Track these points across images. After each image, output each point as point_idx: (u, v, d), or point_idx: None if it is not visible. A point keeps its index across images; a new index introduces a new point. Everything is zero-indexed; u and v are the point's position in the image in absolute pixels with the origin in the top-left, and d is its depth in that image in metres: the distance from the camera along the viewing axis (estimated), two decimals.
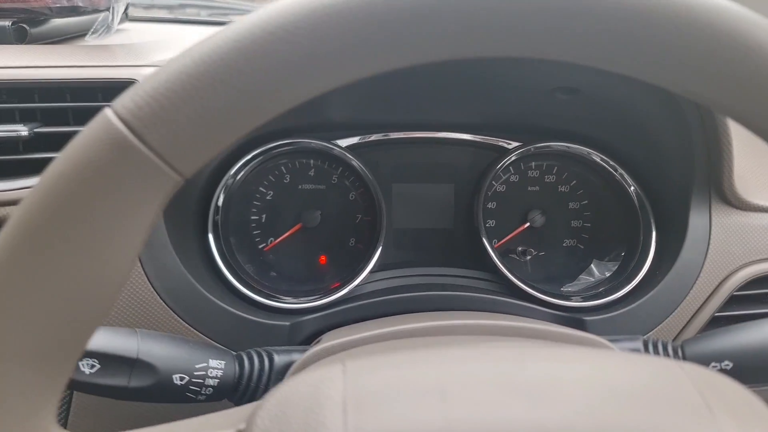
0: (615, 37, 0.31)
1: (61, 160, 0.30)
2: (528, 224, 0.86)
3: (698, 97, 0.33)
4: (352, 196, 0.86)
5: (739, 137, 0.70)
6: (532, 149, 0.84)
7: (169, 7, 1.42)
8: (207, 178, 0.77)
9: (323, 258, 0.86)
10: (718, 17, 0.30)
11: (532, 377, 0.34)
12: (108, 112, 0.30)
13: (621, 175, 0.83)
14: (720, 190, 0.72)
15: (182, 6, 1.41)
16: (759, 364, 0.55)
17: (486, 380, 0.34)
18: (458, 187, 0.89)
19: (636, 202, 0.82)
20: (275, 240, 0.84)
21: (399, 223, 0.88)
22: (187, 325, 0.66)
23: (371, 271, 0.79)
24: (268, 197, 0.84)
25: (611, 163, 0.83)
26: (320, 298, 0.74)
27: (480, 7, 0.31)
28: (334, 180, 0.86)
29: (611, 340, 0.58)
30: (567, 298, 0.77)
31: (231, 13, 1.43)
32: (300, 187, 0.85)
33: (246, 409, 0.41)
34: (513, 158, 0.84)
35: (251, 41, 0.31)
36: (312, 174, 0.85)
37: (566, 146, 0.84)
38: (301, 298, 0.75)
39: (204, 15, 1.40)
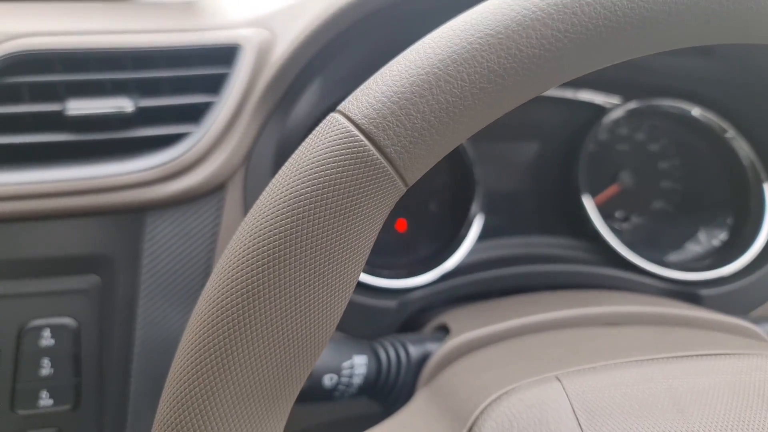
0: None
1: (292, 174, 0.26)
2: (618, 185, 0.82)
3: None
4: None
5: None
6: (642, 107, 0.78)
7: None
8: None
9: (406, 225, 0.81)
10: None
11: (758, 386, 0.33)
12: (341, 119, 0.26)
13: (730, 136, 0.78)
14: None
15: None
16: None
17: (715, 391, 0.33)
18: (544, 145, 0.83)
19: (746, 166, 0.77)
20: None
21: (486, 186, 0.83)
22: None
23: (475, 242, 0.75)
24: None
25: (719, 123, 0.78)
26: (423, 273, 0.70)
27: None
28: None
29: (754, 322, 0.55)
30: (676, 269, 0.73)
31: None
32: None
33: (431, 421, 0.39)
34: (617, 115, 0.78)
35: (504, 37, 0.27)
36: None
37: (674, 106, 0.78)
38: (403, 273, 0.71)
39: None
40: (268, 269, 0.25)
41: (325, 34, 0.54)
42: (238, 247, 0.26)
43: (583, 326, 0.52)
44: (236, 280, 0.26)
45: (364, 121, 0.26)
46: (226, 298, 0.26)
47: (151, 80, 0.57)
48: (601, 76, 0.80)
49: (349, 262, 0.27)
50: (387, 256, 0.78)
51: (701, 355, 0.39)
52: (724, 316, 0.54)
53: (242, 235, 0.26)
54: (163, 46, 0.57)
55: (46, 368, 0.52)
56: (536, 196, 0.84)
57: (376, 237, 0.28)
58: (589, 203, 0.77)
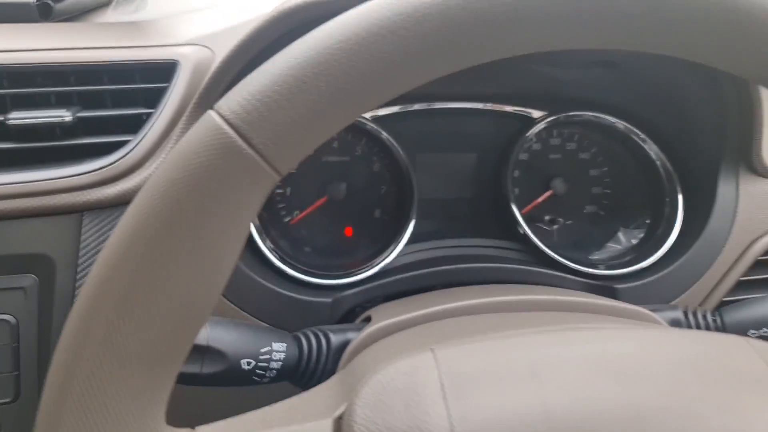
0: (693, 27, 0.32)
1: (171, 164, 0.30)
2: (551, 191, 0.87)
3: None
4: (377, 168, 0.86)
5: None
6: (562, 118, 0.84)
7: None
8: None
9: (350, 230, 0.86)
10: None
11: (615, 358, 0.36)
12: (214, 116, 0.30)
13: (646, 144, 0.84)
14: (748, 159, 0.74)
15: None
16: None
17: (573, 362, 0.36)
18: (481, 156, 0.89)
19: (662, 172, 0.83)
20: (301, 213, 0.84)
21: (423, 194, 0.88)
22: (233, 306, 0.66)
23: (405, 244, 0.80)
24: (292, 170, 0.83)
25: (637, 132, 0.84)
26: (357, 273, 0.75)
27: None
28: (359, 152, 0.85)
29: (652, 310, 0.60)
30: (596, 266, 0.78)
31: None
32: (324, 159, 0.84)
33: (331, 393, 0.42)
34: (542, 126, 0.84)
35: (356, 42, 0.31)
36: (336, 146, 0.85)
37: (594, 116, 0.84)
38: (339, 273, 0.75)
39: None
40: (145, 247, 0.29)
41: (252, 47, 0.59)
42: (123, 228, 0.30)
43: (488, 312, 0.56)
44: (118, 257, 0.30)
45: (232, 116, 0.30)
46: (111, 272, 0.30)
47: (94, 93, 0.61)
48: (530, 92, 0.86)
49: (223, 239, 0.31)
50: (331, 258, 0.83)
51: (568, 329, 0.43)
52: (622, 304, 0.58)
53: (126, 216, 0.31)
54: (106, 61, 0.62)
55: None
56: (471, 203, 0.89)
57: (253, 217, 0.32)
58: (518, 208, 0.82)
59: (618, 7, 0.31)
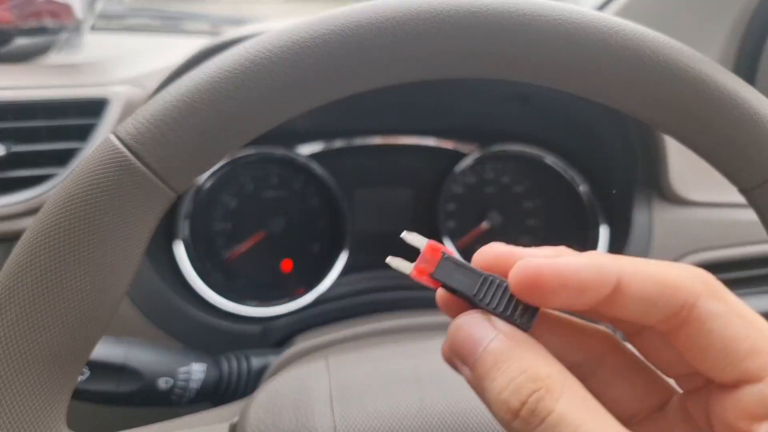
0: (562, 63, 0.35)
1: (70, 181, 0.33)
2: (485, 224, 0.91)
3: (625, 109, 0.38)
4: (314, 202, 0.89)
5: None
6: (488, 152, 0.88)
7: (119, 17, 1.41)
8: None
9: (289, 264, 0.88)
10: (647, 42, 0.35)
11: None
12: (111, 137, 0.33)
13: (571, 175, 0.88)
14: (659, 187, 0.78)
15: (133, 15, 1.41)
16: None
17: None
18: (417, 190, 0.93)
19: (585, 201, 0.87)
20: (240, 247, 0.86)
21: (361, 228, 0.91)
22: (161, 331, 0.68)
23: (339, 276, 0.82)
24: (231, 206, 0.86)
25: (561, 164, 0.88)
26: (288, 303, 0.77)
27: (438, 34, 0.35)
28: (296, 187, 0.88)
29: None
30: None
31: (183, 22, 1.43)
32: (263, 194, 0.87)
33: (234, 406, 0.44)
34: (469, 161, 0.88)
35: (240, 71, 0.34)
36: (275, 182, 0.88)
37: (520, 150, 0.89)
38: (271, 302, 0.77)
39: (156, 24, 1.40)
40: (45, 256, 0.31)
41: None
42: (25, 239, 0.33)
43: (405, 331, 0.59)
44: (21, 265, 0.32)
45: (127, 138, 0.33)
46: (12, 280, 0.32)
47: (30, 129, 0.64)
48: (460, 127, 0.91)
49: (119, 250, 0.33)
50: (266, 290, 0.84)
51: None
52: None
53: (29, 228, 0.33)
54: (41, 99, 0.65)
55: None
56: None
57: (150, 233, 0.34)
58: (452, 240, 0.85)
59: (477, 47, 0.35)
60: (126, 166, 0.32)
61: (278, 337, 0.74)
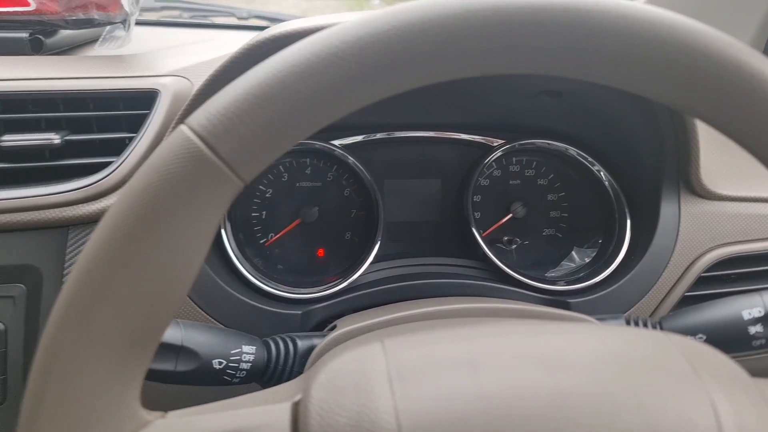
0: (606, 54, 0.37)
1: (147, 171, 0.35)
2: (511, 215, 0.93)
3: (671, 103, 0.39)
4: (347, 193, 0.91)
5: (704, 133, 0.78)
6: (516, 146, 0.90)
7: (151, 10, 1.44)
8: None
9: (322, 251, 0.91)
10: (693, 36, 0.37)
11: (546, 349, 0.40)
12: (185, 129, 0.35)
13: (597, 169, 0.90)
14: (688, 181, 0.80)
15: (162, 8, 1.43)
16: (728, 336, 0.63)
17: (507, 352, 0.40)
18: (445, 182, 0.95)
19: (611, 194, 0.89)
20: (275, 235, 0.89)
21: (391, 217, 0.93)
22: (207, 316, 0.71)
23: (371, 263, 0.85)
24: (267, 195, 0.89)
25: (588, 158, 0.90)
26: (327, 289, 0.80)
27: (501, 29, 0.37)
28: (330, 178, 0.91)
29: (597, 319, 0.64)
30: (552, 282, 0.84)
31: (211, 15, 1.46)
32: (297, 184, 0.90)
33: (291, 386, 0.46)
34: (498, 154, 0.90)
35: (306, 66, 0.36)
36: (308, 172, 0.90)
37: (547, 143, 0.91)
38: (310, 288, 0.80)
39: (186, 17, 1.43)
40: (123, 241, 0.33)
41: (225, 76, 0.65)
42: (104, 225, 0.35)
43: (442, 317, 0.61)
44: (99, 250, 0.34)
45: (200, 129, 0.35)
46: (91, 264, 0.34)
47: (81, 118, 0.67)
48: (490, 121, 0.93)
49: (191, 236, 0.35)
50: (302, 275, 0.88)
51: (506, 323, 0.47)
52: (568, 312, 0.64)
53: (107, 215, 0.35)
54: (92, 90, 0.67)
55: None
56: (436, 225, 0.94)
57: (219, 221, 0.36)
58: (478, 230, 0.88)
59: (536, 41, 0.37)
60: (199, 156, 0.34)
61: (317, 320, 0.77)
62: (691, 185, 0.80)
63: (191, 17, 1.42)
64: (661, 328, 0.66)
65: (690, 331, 0.65)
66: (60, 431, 0.34)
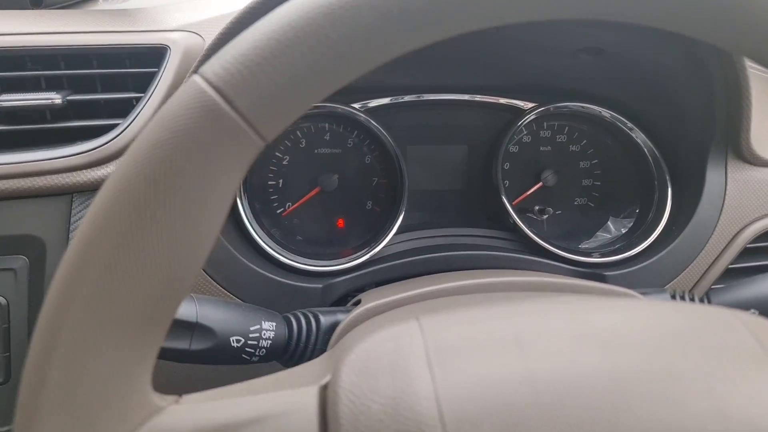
0: None
1: (156, 127, 0.30)
2: (541, 183, 0.88)
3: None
4: (368, 160, 0.86)
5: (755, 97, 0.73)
6: (551, 109, 0.85)
7: None
8: None
9: (342, 222, 0.86)
10: None
11: (601, 327, 0.36)
12: (198, 79, 0.30)
13: (635, 134, 0.85)
14: (737, 146, 0.75)
15: None
16: None
17: (556, 331, 0.36)
18: (471, 148, 0.90)
19: (651, 160, 0.84)
20: (293, 204, 0.84)
21: (415, 185, 0.88)
22: (223, 290, 0.67)
23: (395, 234, 0.80)
24: (284, 162, 0.84)
25: (627, 122, 0.85)
26: (349, 261, 0.75)
27: None
28: (350, 144, 0.86)
29: (640, 293, 0.60)
30: (586, 254, 0.79)
31: None
32: (316, 151, 0.85)
33: (319, 365, 0.42)
34: (531, 118, 0.85)
35: (338, 5, 0.31)
36: (327, 138, 0.85)
37: (582, 106, 0.85)
38: (331, 260, 0.76)
39: None
40: (131, 207, 0.29)
41: (240, 30, 0.60)
42: (108, 190, 0.30)
43: (474, 292, 0.57)
44: (104, 218, 0.30)
45: (215, 79, 0.30)
46: (96, 233, 0.30)
47: (84, 77, 0.62)
48: (519, 83, 0.87)
49: (207, 201, 0.31)
50: (322, 247, 0.83)
51: (552, 299, 0.43)
52: (609, 285, 0.59)
53: (111, 178, 0.31)
54: (95, 45, 0.62)
55: None
56: (462, 194, 0.90)
57: (238, 186, 0.32)
58: (507, 199, 0.83)
59: None
60: (215, 110, 0.29)
61: (338, 294, 0.73)
62: (739, 150, 0.75)
63: None
64: (709, 302, 0.62)
65: (741, 306, 0.61)
66: (62, 421, 0.30)
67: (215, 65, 0.31)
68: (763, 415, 0.30)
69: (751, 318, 0.37)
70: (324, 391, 0.36)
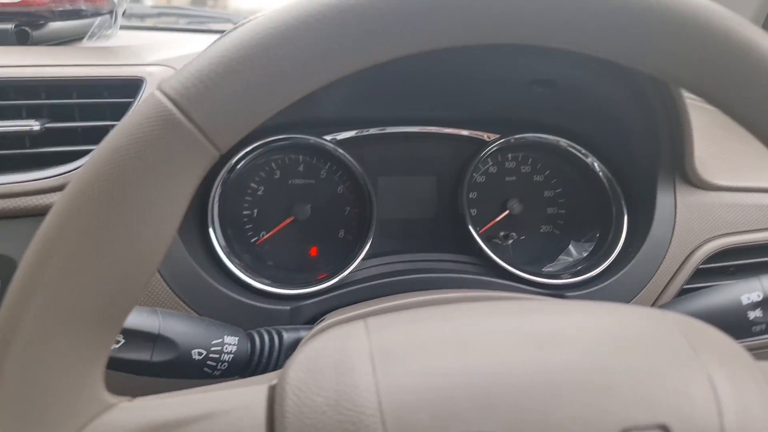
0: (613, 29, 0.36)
1: (115, 135, 0.33)
2: (507, 212, 0.91)
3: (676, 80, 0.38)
4: (340, 190, 0.90)
5: (697, 124, 0.77)
6: (512, 140, 0.89)
7: (145, 16, 1.44)
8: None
9: (315, 249, 0.89)
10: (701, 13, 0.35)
11: (537, 326, 0.38)
12: (157, 93, 0.33)
13: (591, 162, 0.89)
14: (683, 172, 0.79)
15: (159, 14, 1.43)
16: (727, 322, 0.61)
17: (497, 330, 0.38)
18: (440, 178, 0.93)
19: (607, 186, 0.88)
20: (267, 233, 0.87)
21: (385, 214, 0.92)
22: (191, 310, 0.69)
23: (363, 259, 0.83)
24: (259, 192, 0.87)
25: (582, 150, 0.89)
26: (316, 285, 0.78)
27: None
28: (323, 174, 0.89)
29: None
30: (549, 276, 0.82)
31: (208, 22, 1.45)
32: (290, 182, 0.88)
33: (273, 374, 0.44)
34: (493, 149, 0.89)
35: (285, 29, 0.35)
36: (301, 169, 0.89)
37: (540, 137, 0.89)
38: (299, 284, 0.78)
39: (182, 23, 1.43)
40: (88, 209, 0.31)
41: None
42: (68, 192, 0.32)
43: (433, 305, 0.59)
44: (63, 218, 0.32)
45: (172, 92, 0.33)
46: (55, 232, 0.32)
47: (63, 106, 0.65)
48: (482, 116, 0.91)
49: (161, 206, 0.33)
50: (293, 273, 0.86)
51: (494, 299, 0.45)
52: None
53: (72, 182, 0.33)
54: (75, 77, 0.66)
55: None
56: (431, 222, 0.93)
57: (191, 193, 0.34)
58: (474, 226, 0.86)
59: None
60: (172, 121, 0.32)
61: (307, 317, 0.75)
62: (686, 175, 0.79)
63: (188, 23, 1.42)
64: None
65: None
66: (16, 411, 0.32)
67: (173, 80, 0.34)
68: (689, 403, 0.32)
69: (681, 317, 0.39)
70: (273, 389, 0.38)
